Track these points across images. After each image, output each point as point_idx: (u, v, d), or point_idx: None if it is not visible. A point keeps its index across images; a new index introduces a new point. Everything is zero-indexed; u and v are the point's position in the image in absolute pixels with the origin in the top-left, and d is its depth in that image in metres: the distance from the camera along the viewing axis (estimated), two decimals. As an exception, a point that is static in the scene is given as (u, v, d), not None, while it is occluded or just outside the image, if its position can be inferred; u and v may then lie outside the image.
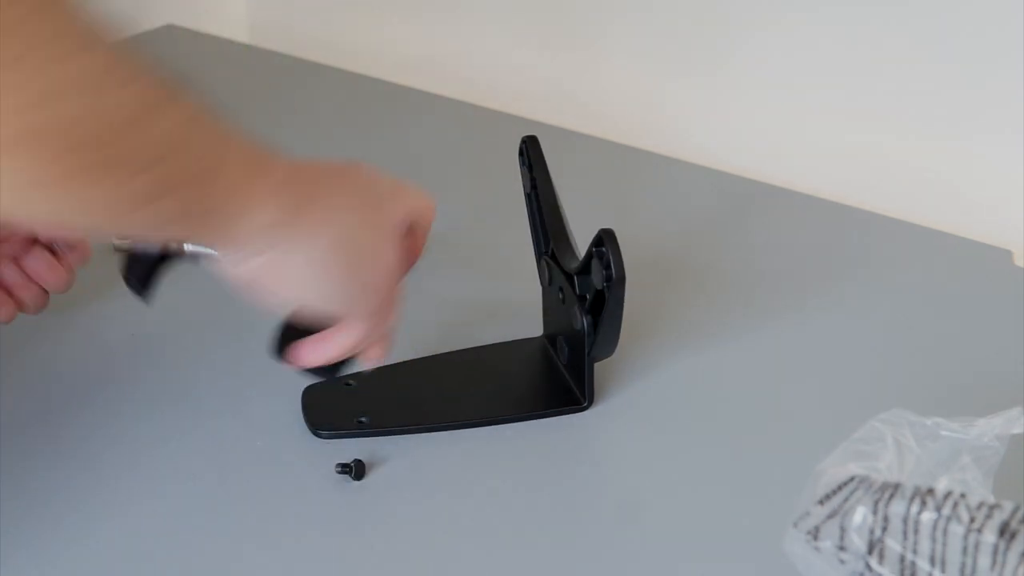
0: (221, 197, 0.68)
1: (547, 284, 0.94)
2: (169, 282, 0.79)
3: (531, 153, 0.92)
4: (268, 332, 0.97)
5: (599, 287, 0.85)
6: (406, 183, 0.85)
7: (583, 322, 0.87)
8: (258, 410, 0.91)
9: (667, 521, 0.82)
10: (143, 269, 0.79)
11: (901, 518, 0.64)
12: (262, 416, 0.90)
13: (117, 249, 0.80)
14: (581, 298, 0.87)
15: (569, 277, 0.89)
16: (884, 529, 0.65)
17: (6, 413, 0.89)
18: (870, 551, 0.65)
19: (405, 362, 0.95)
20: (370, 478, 0.84)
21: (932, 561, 0.64)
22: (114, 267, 0.80)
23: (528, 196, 0.94)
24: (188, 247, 0.76)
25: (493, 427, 0.89)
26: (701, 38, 1.31)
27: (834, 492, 0.67)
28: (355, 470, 0.84)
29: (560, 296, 0.91)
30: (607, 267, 0.83)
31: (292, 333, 0.82)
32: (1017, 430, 0.69)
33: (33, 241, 0.92)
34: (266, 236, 0.71)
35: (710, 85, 1.31)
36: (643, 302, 0.97)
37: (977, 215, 1.14)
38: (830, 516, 0.66)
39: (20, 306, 0.93)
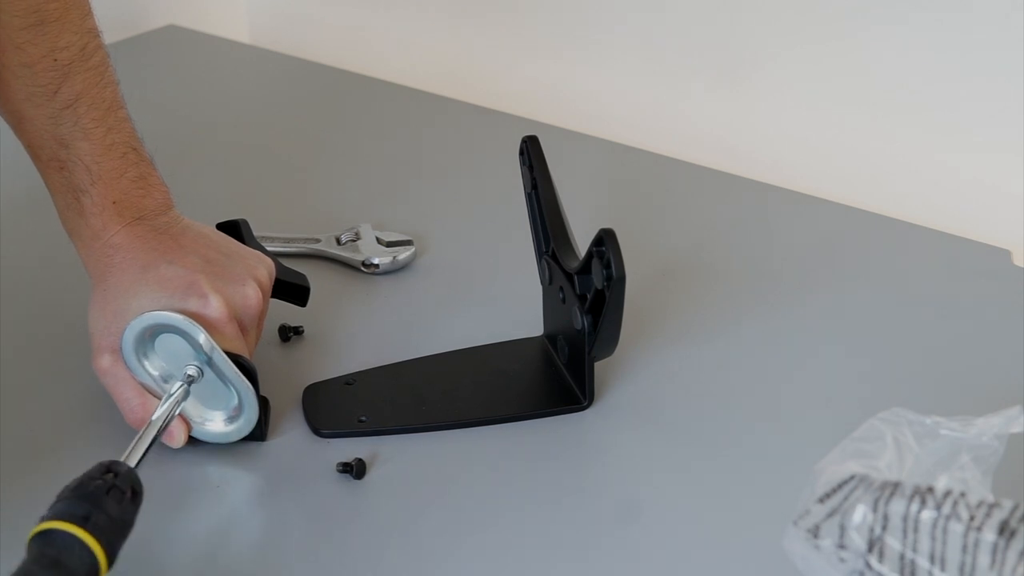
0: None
1: (547, 284, 0.94)
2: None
3: (531, 153, 0.92)
4: (267, 334, 0.97)
5: (599, 287, 0.85)
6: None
7: (583, 322, 0.87)
8: (259, 409, 0.91)
9: (667, 520, 0.82)
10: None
11: (901, 516, 0.64)
12: (263, 415, 0.91)
13: None
14: (581, 298, 0.88)
15: (569, 277, 0.89)
16: (884, 527, 0.65)
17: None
18: (870, 549, 0.65)
19: (405, 362, 0.95)
20: (371, 477, 0.84)
21: (932, 559, 0.64)
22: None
23: (528, 196, 0.94)
24: None
25: (493, 427, 0.89)
26: (701, 39, 1.31)
27: (834, 490, 0.67)
28: (356, 469, 0.84)
29: (560, 296, 0.91)
30: (607, 267, 0.83)
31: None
32: (1016, 429, 0.69)
33: None
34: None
35: (710, 86, 1.31)
36: (643, 302, 0.97)
37: (976, 215, 1.14)
38: (830, 514, 0.66)
39: None
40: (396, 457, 0.86)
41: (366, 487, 0.84)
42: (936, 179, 1.18)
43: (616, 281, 0.83)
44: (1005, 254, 1.08)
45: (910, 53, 1.19)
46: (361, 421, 0.89)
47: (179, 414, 0.85)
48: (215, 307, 0.85)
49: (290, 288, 0.96)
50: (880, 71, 1.21)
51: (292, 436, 0.88)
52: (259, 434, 0.87)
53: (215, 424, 0.86)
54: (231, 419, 0.86)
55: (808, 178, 1.21)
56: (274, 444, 0.88)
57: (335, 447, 0.87)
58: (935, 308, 1.02)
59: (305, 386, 0.92)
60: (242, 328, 0.88)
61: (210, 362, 0.85)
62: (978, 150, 1.17)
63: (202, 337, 0.84)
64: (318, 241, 1.09)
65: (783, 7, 1.25)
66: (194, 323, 0.84)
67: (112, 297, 0.86)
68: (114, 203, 0.87)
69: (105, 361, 0.86)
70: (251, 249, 0.93)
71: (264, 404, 0.87)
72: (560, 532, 0.81)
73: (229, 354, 0.85)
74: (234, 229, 0.97)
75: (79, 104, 0.86)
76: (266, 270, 0.91)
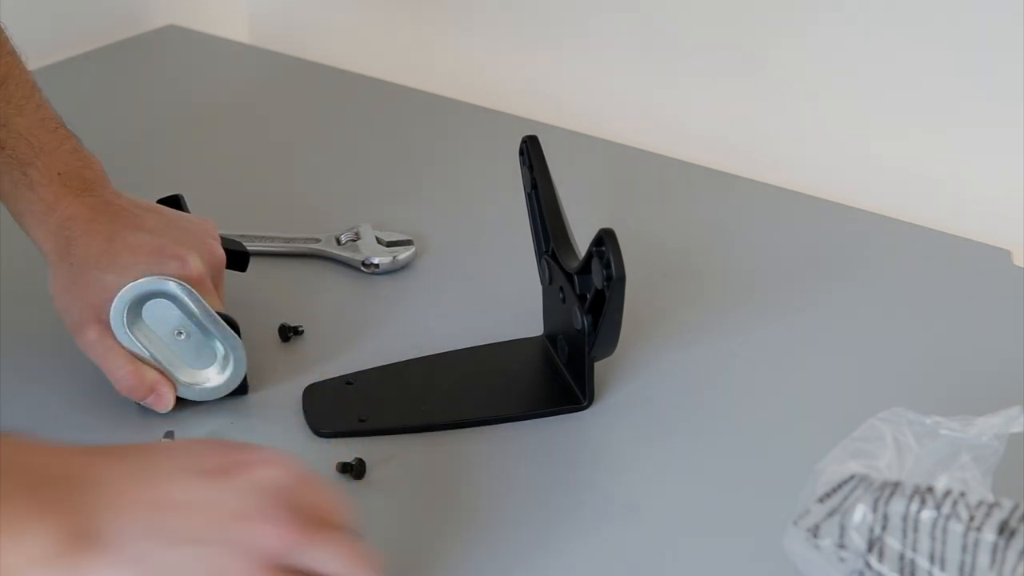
0: None
1: (547, 284, 0.94)
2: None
3: (531, 153, 0.92)
4: (267, 334, 0.97)
5: (599, 287, 0.85)
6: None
7: (583, 321, 0.87)
8: (259, 409, 0.91)
9: (667, 520, 0.82)
10: None
11: (901, 516, 0.64)
12: (263, 415, 0.91)
13: None
14: (581, 297, 0.88)
15: (569, 276, 0.89)
16: (884, 527, 0.65)
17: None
18: (870, 549, 0.65)
19: (405, 362, 0.95)
20: (370, 477, 0.84)
21: (932, 559, 0.64)
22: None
23: (528, 196, 0.94)
24: None
25: (493, 427, 0.89)
26: (701, 38, 1.31)
27: (834, 490, 0.67)
28: (356, 469, 0.84)
29: (560, 295, 0.91)
30: (607, 267, 0.83)
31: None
32: (1016, 429, 0.69)
33: None
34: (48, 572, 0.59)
35: (710, 86, 1.31)
36: (643, 302, 0.97)
37: (976, 215, 1.14)
38: (830, 514, 0.66)
39: None
40: (396, 457, 0.86)
41: (366, 487, 0.84)
42: (936, 179, 1.18)
43: (616, 281, 0.83)
44: (1005, 254, 1.08)
45: (910, 53, 1.19)
46: (361, 421, 0.89)
47: (166, 378, 0.88)
48: (194, 266, 0.88)
49: (231, 254, 0.97)
50: (880, 71, 1.21)
51: (292, 436, 0.88)
52: (244, 387, 0.90)
53: (211, 379, 0.89)
54: (222, 369, 0.89)
55: (808, 178, 1.21)
56: (274, 444, 0.88)
57: (335, 447, 0.87)
58: (935, 308, 1.02)
59: (305, 386, 0.92)
60: (214, 283, 0.90)
61: (199, 322, 0.87)
62: (978, 150, 1.17)
63: (195, 300, 0.87)
64: (318, 241, 1.09)
65: (783, 7, 1.25)
66: (187, 287, 0.87)
67: (82, 270, 0.87)
68: (59, 174, 0.88)
69: (92, 334, 0.87)
70: (194, 215, 0.96)
71: None
72: (560, 532, 0.81)
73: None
74: (175, 203, 0.99)
75: (7, 84, 0.88)
76: (215, 229, 0.94)
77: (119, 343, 0.87)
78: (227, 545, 0.61)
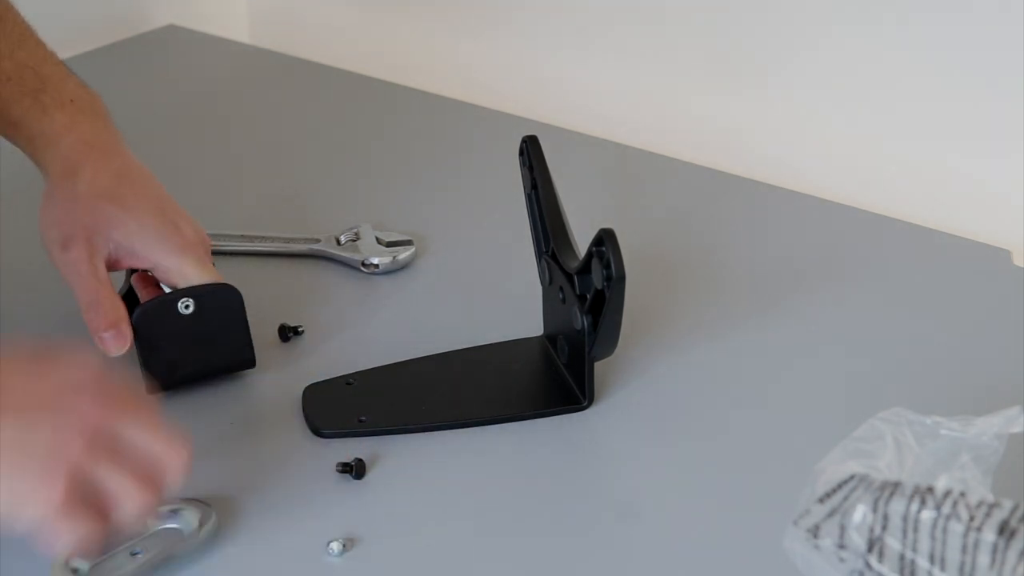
0: None
1: (547, 284, 0.94)
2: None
3: (531, 153, 0.92)
4: (267, 334, 0.97)
5: (599, 287, 0.85)
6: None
7: (583, 321, 0.87)
8: (259, 409, 0.91)
9: (667, 520, 0.82)
10: None
11: (901, 516, 0.64)
12: (263, 415, 0.91)
13: None
14: (581, 298, 0.88)
15: (569, 277, 0.89)
16: (884, 527, 0.65)
17: None
18: (870, 549, 0.65)
19: (405, 362, 0.95)
20: (371, 477, 0.84)
21: (932, 559, 0.64)
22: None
23: (528, 196, 0.94)
24: None
25: (493, 427, 0.89)
26: (701, 39, 1.31)
27: (834, 490, 0.67)
28: (356, 469, 0.84)
29: (560, 296, 0.91)
30: (607, 267, 0.83)
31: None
32: (1016, 429, 0.69)
33: None
34: None
35: (710, 85, 1.31)
36: (643, 302, 0.97)
37: (976, 215, 1.14)
38: (830, 514, 0.66)
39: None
40: (396, 457, 0.86)
41: (366, 487, 0.84)
42: (936, 179, 1.18)
43: (616, 281, 0.83)
44: (1005, 254, 1.08)
45: (910, 53, 1.19)
46: (361, 421, 0.89)
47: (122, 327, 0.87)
48: (189, 233, 0.89)
49: None
50: (880, 71, 1.21)
51: (292, 436, 0.88)
52: (251, 360, 0.92)
53: None
54: None
55: (808, 178, 1.21)
56: (274, 444, 0.88)
57: (335, 447, 0.87)
58: (935, 308, 1.02)
59: (305, 386, 0.92)
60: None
61: None
62: (978, 150, 1.17)
63: None
64: (318, 241, 1.09)
65: (783, 7, 1.25)
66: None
67: (86, 194, 0.87)
68: (72, 101, 0.88)
69: (77, 252, 0.86)
70: None
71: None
72: (560, 532, 0.81)
73: (214, 285, 0.89)
74: None
75: (5, 21, 0.88)
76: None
77: (101, 270, 0.87)
78: (54, 416, 0.68)
